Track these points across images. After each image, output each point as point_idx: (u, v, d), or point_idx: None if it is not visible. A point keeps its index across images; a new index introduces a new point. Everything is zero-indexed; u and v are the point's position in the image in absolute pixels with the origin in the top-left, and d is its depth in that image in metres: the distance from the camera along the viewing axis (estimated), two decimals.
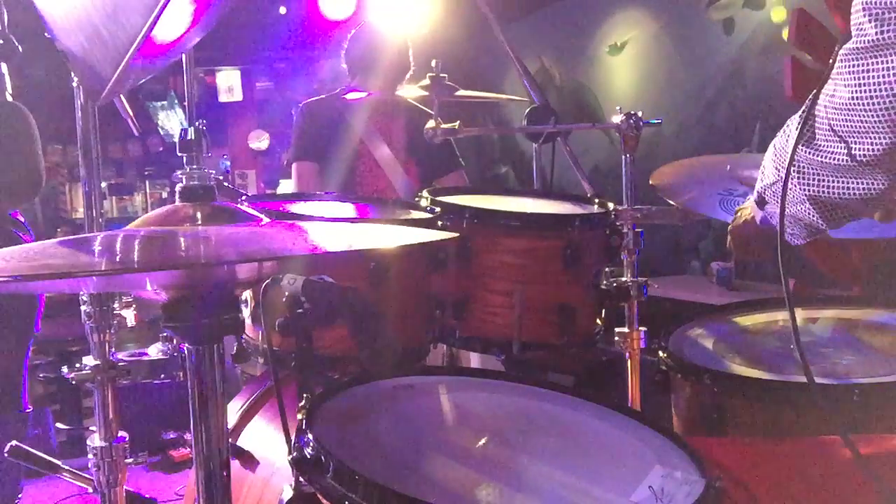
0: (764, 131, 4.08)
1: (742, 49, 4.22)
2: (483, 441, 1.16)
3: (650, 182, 1.83)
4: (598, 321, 1.76)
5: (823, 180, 1.08)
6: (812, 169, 1.08)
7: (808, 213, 1.13)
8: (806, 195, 1.11)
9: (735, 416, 1.43)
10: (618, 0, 5.09)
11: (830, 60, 1.01)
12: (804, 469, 1.19)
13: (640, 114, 1.79)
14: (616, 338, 1.82)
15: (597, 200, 1.86)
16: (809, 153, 1.07)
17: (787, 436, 1.36)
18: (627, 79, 5.07)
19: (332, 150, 2.89)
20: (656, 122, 1.87)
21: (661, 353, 1.60)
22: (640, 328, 1.81)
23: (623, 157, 1.79)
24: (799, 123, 1.07)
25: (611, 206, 1.78)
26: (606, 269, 1.77)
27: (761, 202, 1.27)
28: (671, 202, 1.77)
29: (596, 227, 1.73)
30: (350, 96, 2.90)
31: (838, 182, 1.06)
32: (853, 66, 0.97)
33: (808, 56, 2.87)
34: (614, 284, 1.76)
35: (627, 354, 1.82)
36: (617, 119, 1.79)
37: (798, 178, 1.10)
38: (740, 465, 1.17)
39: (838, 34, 2.82)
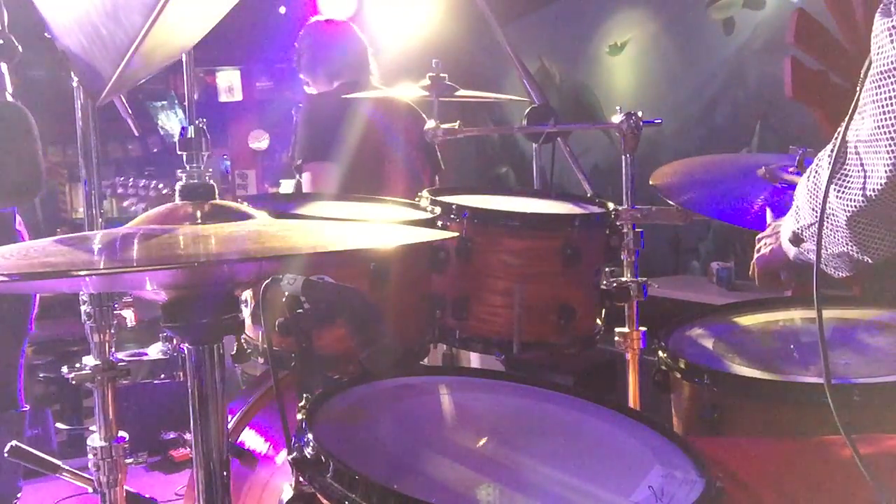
0: (764, 131, 4.08)
1: (742, 49, 4.22)
2: (483, 441, 1.16)
3: (650, 182, 1.83)
4: (598, 321, 1.76)
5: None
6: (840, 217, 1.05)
7: (851, 251, 1.10)
8: (845, 237, 1.08)
9: (735, 416, 1.43)
10: (618, 0, 5.09)
11: (858, 88, 0.98)
12: (804, 469, 1.19)
13: (640, 114, 1.79)
14: (616, 338, 1.82)
15: (597, 200, 1.86)
16: (836, 198, 1.04)
17: (787, 436, 1.36)
18: (627, 79, 5.08)
19: (352, 150, 2.78)
20: (656, 122, 1.87)
21: (661, 353, 1.60)
22: (640, 328, 1.81)
23: (623, 157, 1.79)
24: (829, 162, 1.04)
25: (611, 206, 1.78)
26: (606, 269, 1.77)
27: (797, 241, 1.24)
28: (671, 202, 1.77)
29: (596, 227, 1.73)
30: (358, 95, 2.80)
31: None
32: (877, 93, 0.94)
33: (808, 56, 2.87)
34: (614, 284, 1.76)
35: (627, 354, 1.82)
36: (617, 119, 1.79)
37: (833, 219, 1.08)
38: (740, 465, 1.17)
39: (839, 34, 2.82)
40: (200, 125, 1.06)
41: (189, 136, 1.05)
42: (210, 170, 1.04)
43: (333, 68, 3.05)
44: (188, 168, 1.03)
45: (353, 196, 1.98)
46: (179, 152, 1.05)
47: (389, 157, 2.89)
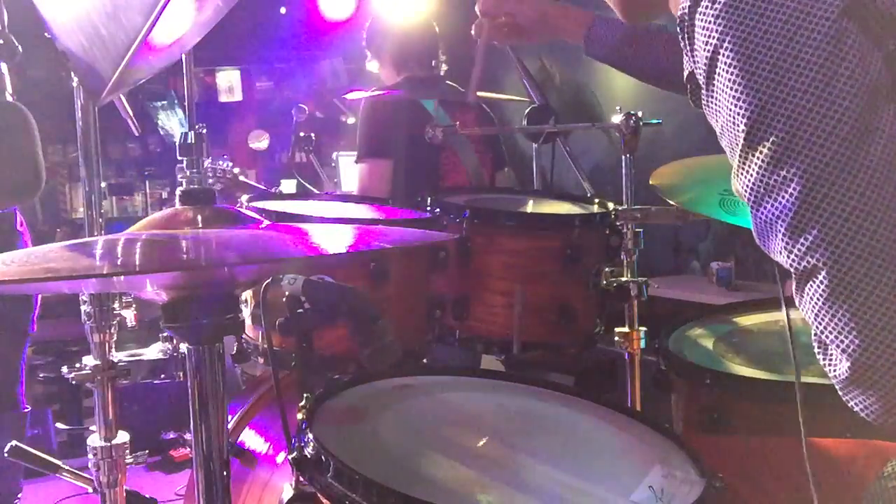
0: None
1: None
2: (483, 441, 1.16)
3: (650, 182, 1.82)
4: (598, 321, 1.76)
5: None
6: None
7: None
8: None
9: (735, 416, 1.43)
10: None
11: None
12: (804, 468, 1.19)
13: (640, 114, 1.79)
14: (616, 338, 1.82)
15: (597, 200, 1.86)
16: None
17: (787, 436, 1.36)
18: (627, 79, 5.06)
19: (409, 143, 2.69)
20: (656, 122, 1.87)
21: (661, 354, 1.60)
22: (640, 328, 1.81)
23: (623, 157, 1.79)
24: None
25: (611, 206, 1.78)
26: (606, 269, 1.77)
27: None
28: (671, 202, 1.77)
29: (596, 227, 1.73)
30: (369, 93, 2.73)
31: None
32: None
33: None
34: (614, 284, 1.76)
35: (627, 354, 1.82)
36: (617, 119, 1.80)
37: None
38: (740, 465, 1.17)
39: None
40: (200, 130, 1.06)
41: (189, 141, 1.05)
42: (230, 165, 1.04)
43: (400, 57, 2.96)
44: (188, 173, 1.03)
45: (352, 197, 1.99)
46: (179, 158, 1.05)
47: (447, 149, 2.82)
